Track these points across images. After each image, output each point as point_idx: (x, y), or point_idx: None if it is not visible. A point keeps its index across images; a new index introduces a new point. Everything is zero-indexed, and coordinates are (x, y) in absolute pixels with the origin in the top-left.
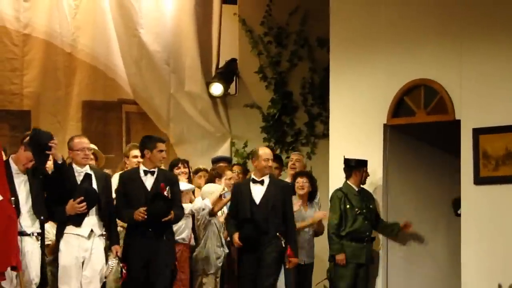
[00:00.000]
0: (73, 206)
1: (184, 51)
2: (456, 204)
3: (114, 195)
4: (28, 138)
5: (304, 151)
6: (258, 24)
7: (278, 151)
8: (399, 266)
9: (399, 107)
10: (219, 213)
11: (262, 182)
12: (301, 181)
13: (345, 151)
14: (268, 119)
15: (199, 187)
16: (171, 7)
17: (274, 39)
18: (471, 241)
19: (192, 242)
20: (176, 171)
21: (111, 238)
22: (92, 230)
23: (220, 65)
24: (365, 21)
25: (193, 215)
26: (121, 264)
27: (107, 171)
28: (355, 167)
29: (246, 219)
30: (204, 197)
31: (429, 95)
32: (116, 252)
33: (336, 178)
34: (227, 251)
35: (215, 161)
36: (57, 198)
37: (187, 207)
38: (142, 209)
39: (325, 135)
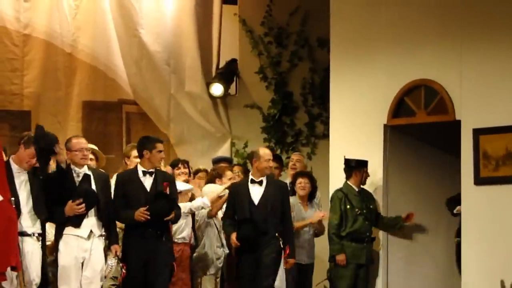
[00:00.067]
0: (72, 207)
1: (184, 51)
2: (451, 203)
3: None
4: (29, 137)
5: (304, 152)
6: (259, 25)
7: (278, 152)
8: (399, 267)
9: (399, 107)
10: (219, 213)
11: (260, 183)
12: (302, 182)
13: (345, 152)
14: (269, 120)
15: (199, 188)
16: (171, 8)
17: (275, 40)
18: (472, 241)
19: (193, 241)
20: (176, 172)
21: (110, 238)
22: (91, 231)
23: (221, 65)
24: (365, 22)
25: (193, 215)
26: (120, 264)
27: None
28: (355, 168)
29: (245, 219)
30: (213, 196)
31: (429, 96)
32: (116, 252)
33: (336, 179)
34: (227, 251)
35: (216, 161)
36: (56, 199)
37: (186, 206)
38: (142, 209)
39: (326, 136)
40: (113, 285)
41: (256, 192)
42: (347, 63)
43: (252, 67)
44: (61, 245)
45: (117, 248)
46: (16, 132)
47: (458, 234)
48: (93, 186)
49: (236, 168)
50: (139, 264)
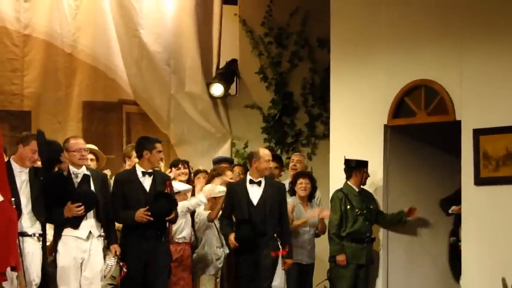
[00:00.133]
0: (71, 209)
1: (184, 51)
2: (445, 203)
3: None
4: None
5: (304, 152)
6: (259, 25)
7: (278, 152)
8: (399, 267)
9: (399, 107)
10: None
11: (259, 183)
12: (303, 182)
13: (345, 152)
14: (269, 120)
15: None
16: (171, 8)
17: (275, 40)
18: (472, 242)
19: (193, 240)
20: (176, 172)
21: (109, 237)
22: (90, 232)
23: (221, 65)
24: (365, 22)
25: (192, 214)
26: (121, 263)
27: (105, 171)
28: (356, 168)
29: (244, 220)
30: (211, 195)
31: (429, 96)
32: (115, 252)
33: (336, 179)
34: (227, 251)
35: (217, 162)
36: (56, 200)
37: (183, 205)
38: (142, 210)
39: (326, 136)
40: (110, 284)
41: (255, 193)
42: (347, 63)
43: (252, 67)
44: (60, 246)
45: (116, 248)
46: (16, 132)
47: (453, 234)
48: (92, 187)
49: (236, 169)
50: (140, 265)
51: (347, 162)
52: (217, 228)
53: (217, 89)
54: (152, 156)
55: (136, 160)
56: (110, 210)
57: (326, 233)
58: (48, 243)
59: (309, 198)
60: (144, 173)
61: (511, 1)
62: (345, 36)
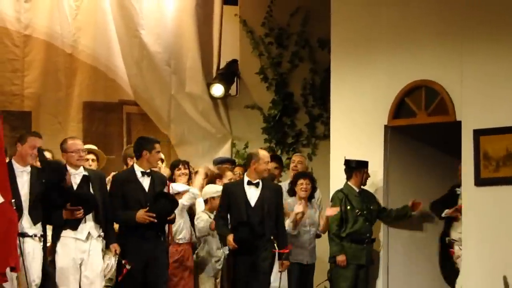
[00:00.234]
0: (71, 212)
1: (185, 52)
2: (436, 206)
3: None
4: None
5: (305, 152)
6: (259, 25)
7: (279, 152)
8: (400, 268)
9: (400, 108)
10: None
11: (257, 185)
12: (304, 183)
13: (346, 152)
14: (269, 120)
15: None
16: (172, 8)
17: (275, 40)
18: (472, 242)
19: (194, 239)
20: (176, 172)
21: (108, 237)
22: (89, 233)
23: (221, 66)
24: (366, 22)
25: (190, 214)
26: (123, 261)
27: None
28: (356, 168)
29: (243, 222)
30: (205, 198)
31: (430, 96)
32: (115, 251)
33: (336, 179)
34: (227, 252)
35: (219, 162)
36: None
37: (180, 202)
38: (143, 211)
39: (326, 136)
40: (107, 286)
41: (253, 194)
42: (347, 63)
43: (253, 68)
44: (59, 247)
45: (116, 247)
46: (16, 133)
47: (443, 236)
48: (91, 188)
49: (237, 169)
50: (140, 265)
51: (347, 162)
52: None
53: (218, 90)
54: (152, 156)
55: None
56: (108, 210)
57: (326, 233)
58: (48, 244)
59: (309, 198)
60: (143, 173)
61: (511, 1)
62: (345, 36)
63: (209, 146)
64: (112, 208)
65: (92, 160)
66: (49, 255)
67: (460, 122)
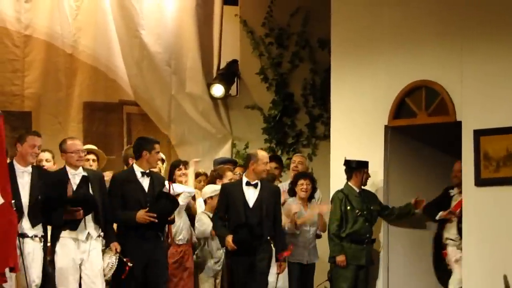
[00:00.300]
0: (71, 213)
1: (185, 52)
2: (430, 209)
3: None
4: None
5: (305, 153)
6: (259, 25)
7: (279, 153)
8: (400, 268)
9: (400, 108)
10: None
11: (255, 185)
12: (304, 184)
13: (346, 153)
14: (269, 121)
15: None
16: (172, 8)
17: (275, 40)
18: (473, 243)
19: (194, 240)
20: (177, 172)
21: (108, 236)
22: (89, 233)
23: (221, 66)
24: (366, 22)
25: (189, 215)
26: (124, 259)
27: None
28: (356, 168)
29: (241, 223)
30: (204, 198)
31: (430, 97)
32: (116, 249)
33: (337, 180)
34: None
35: (220, 163)
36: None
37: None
38: (143, 211)
39: (326, 137)
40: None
41: (251, 195)
42: (348, 64)
43: (253, 68)
44: (58, 247)
45: (116, 246)
46: (16, 133)
47: (437, 238)
48: (90, 188)
49: (237, 170)
50: (140, 265)
51: (348, 163)
52: None
53: (218, 90)
54: (151, 156)
55: None
56: (108, 210)
57: (326, 233)
58: (49, 244)
59: (309, 198)
60: (143, 174)
61: (511, 2)
62: (345, 36)
63: (209, 146)
64: (111, 208)
65: (93, 160)
66: (48, 255)
67: (460, 123)
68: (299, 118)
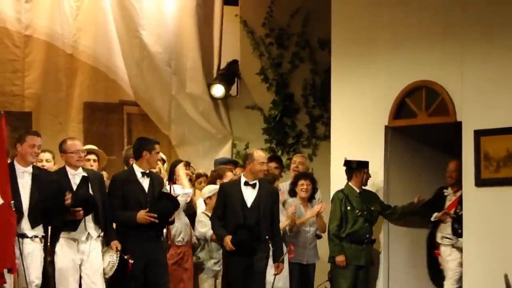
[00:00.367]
0: (71, 213)
1: (185, 52)
2: (423, 210)
3: None
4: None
5: (305, 153)
6: (260, 26)
7: (279, 153)
8: (400, 269)
9: (400, 108)
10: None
11: (254, 185)
12: (305, 184)
13: (346, 153)
14: (270, 121)
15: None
16: (172, 9)
17: (276, 41)
18: (473, 243)
19: (194, 240)
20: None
21: (108, 235)
22: (89, 233)
23: (222, 66)
24: (366, 22)
25: (188, 215)
26: (125, 256)
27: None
28: (356, 169)
29: (240, 224)
30: (203, 198)
31: (430, 97)
32: (116, 247)
33: (337, 180)
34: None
35: (221, 163)
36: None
37: None
38: (143, 211)
39: (327, 137)
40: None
41: (249, 195)
42: (348, 64)
43: (253, 68)
44: (58, 247)
45: (117, 244)
46: (16, 134)
47: (430, 237)
48: (90, 189)
49: (238, 170)
50: (141, 266)
51: (348, 163)
52: None
53: (218, 90)
54: (151, 157)
55: None
56: (108, 210)
57: (326, 233)
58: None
59: (310, 199)
60: (143, 174)
61: (511, 2)
62: (345, 36)
63: (210, 146)
64: (111, 208)
65: (94, 160)
66: (48, 256)
67: (460, 123)
68: (300, 119)
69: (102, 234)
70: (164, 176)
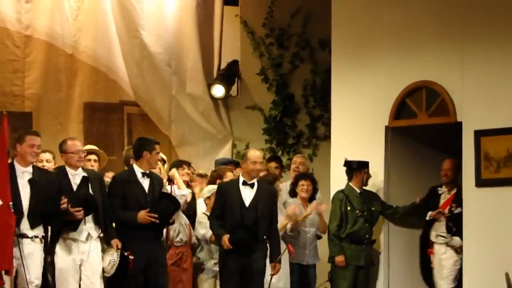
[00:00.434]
0: (71, 213)
1: (185, 52)
2: (417, 210)
3: None
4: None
5: (305, 153)
6: (260, 26)
7: (279, 153)
8: (400, 269)
9: (400, 109)
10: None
11: (252, 185)
12: (305, 184)
13: (346, 153)
14: (270, 121)
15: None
16: (172, 9)
17: (276, 41)
18: (473, 243)
19: (194, 240)
20: (180, 172)
21: (108, 234)
22: (89, 234)
23: (222, 66)
24: (366, 23)
25: (188, 216)
26: (126, 253)
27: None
28: (356, 169)
29: (238, 224)
30: (203, 198)
31: (430, 97)
32: (117, 246)
33: (337, 180)
34: None
35: (222, 163)
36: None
37: None
38: (144, 211)
39: (327, 137)
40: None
41: (248, 194)
42: (348, 64)
43: (254, 69)
44: (58, 248)
45: (117, 242)
46: (17, 134)
47: (424, 237)
48: (90, 189)
49: (238, 170)
50: (141, 266)
51: (348, 163)
52: None
53: (218, 90)
54: (152, 157)
55: None
56: (108, 210)
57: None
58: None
59: (310, 199)
60: (143, 174)
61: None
62: (346, 37)
63: (210, 146)
64: (111, 208)
65: (94, 160)
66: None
67: (461, 123)
68: (300, 119)
69: (102, 234)
70: (164, 176)
